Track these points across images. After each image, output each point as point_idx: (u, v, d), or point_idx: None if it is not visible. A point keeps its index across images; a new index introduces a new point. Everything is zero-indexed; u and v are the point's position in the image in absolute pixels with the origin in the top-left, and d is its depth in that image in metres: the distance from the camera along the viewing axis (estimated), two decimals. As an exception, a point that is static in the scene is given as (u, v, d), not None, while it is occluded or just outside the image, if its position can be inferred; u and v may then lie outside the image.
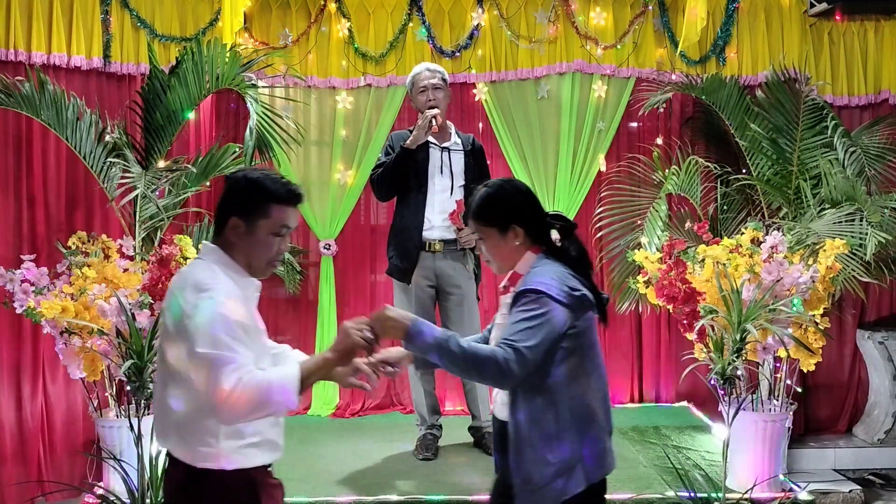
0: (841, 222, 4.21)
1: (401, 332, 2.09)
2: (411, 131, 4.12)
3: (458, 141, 4.21)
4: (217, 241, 2.09)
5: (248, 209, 2.04)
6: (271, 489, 2.12)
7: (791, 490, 3.91)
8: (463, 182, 4.14)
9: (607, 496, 3.66)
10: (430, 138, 4.12)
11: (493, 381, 2.17)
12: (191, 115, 4.45)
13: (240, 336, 1.94)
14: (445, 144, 4.16)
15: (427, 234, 4.08)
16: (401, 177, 4.08)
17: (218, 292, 1.95)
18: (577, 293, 2.16)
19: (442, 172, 4.12)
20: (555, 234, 2.31)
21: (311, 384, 2.02)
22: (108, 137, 4.22)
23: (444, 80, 4.19)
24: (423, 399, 4.24)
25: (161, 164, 4.28)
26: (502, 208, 2.26)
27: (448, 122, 4.27)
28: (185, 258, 3.85)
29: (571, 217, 5.17)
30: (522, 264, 2.27)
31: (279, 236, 2.08)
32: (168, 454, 2.09)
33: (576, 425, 2.16)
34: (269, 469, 2.14)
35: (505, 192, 2.30)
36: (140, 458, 3.49)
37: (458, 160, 4.16)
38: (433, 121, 4.01)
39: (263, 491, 2.06)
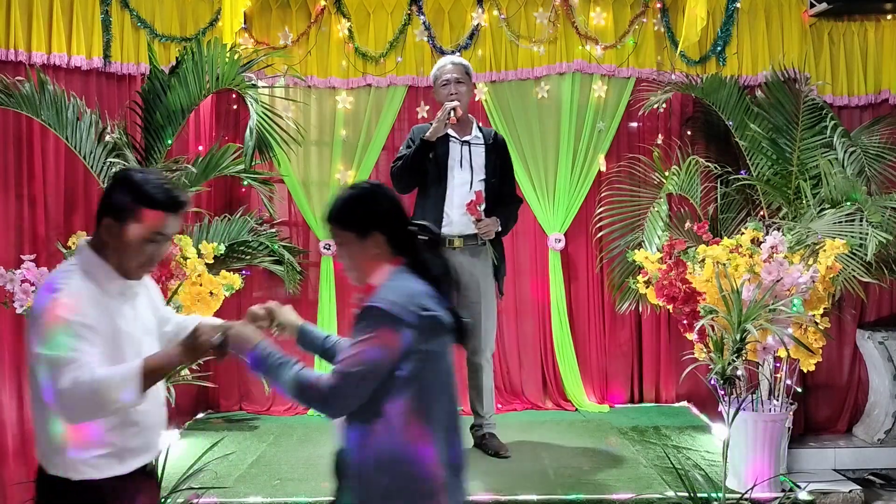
0: (841, 222, 4.21)
1: (246, 347, 2.02)
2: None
3: (480, 135, 4.18)
4: (91, 239, 2.06)
5: (122, 211, 1.98)
6: (131, 495, 2.06)
7: (791, 490, 3.91)
8: (483, 176, 4.11)
9: (607, 496, 3.67)
10: (451, 132, 4.10)
11: (318, 409, 2.01)
12: (191, 115, 4.45)
13: (83, 335, 1.88)
14: (466, 138, 4.13)
15: (446, 229, 4.04)
16: (420, 169, 4.04)
17: (62, 293, 1.90)
18: (427, 313, 1.98)
19: (461, 166, 4.09)
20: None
21: (158, 379, 1.97)
22: (108, 137, 4.23)
23: (467, 73, 4.16)
24: None
25: (161, 164, 4.28)
26: (364, 212, 2.08)
27: (470, 115, 4.25)
28: (185, 258, 3.86)
29: (571, 217, 5.24)
30: (378, 276, 2.08)
31: (153, 242, 2.01)
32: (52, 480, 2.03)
33: (413, 460, 1.98)
34: (147, 469, 2.12)
35: (370, 195, 2.11)
36: (140, 458, 3.49)
37: (479, 154, 4.13)
38: (452, 112, 3.98)
39: (118, 501, 2.01)
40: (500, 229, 4.13)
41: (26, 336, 1.99)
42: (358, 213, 2.09)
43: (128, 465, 2.03)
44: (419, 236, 2.12)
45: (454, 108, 3.98)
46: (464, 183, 4.08)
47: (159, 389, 2.13)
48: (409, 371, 1.97)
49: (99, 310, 1.95)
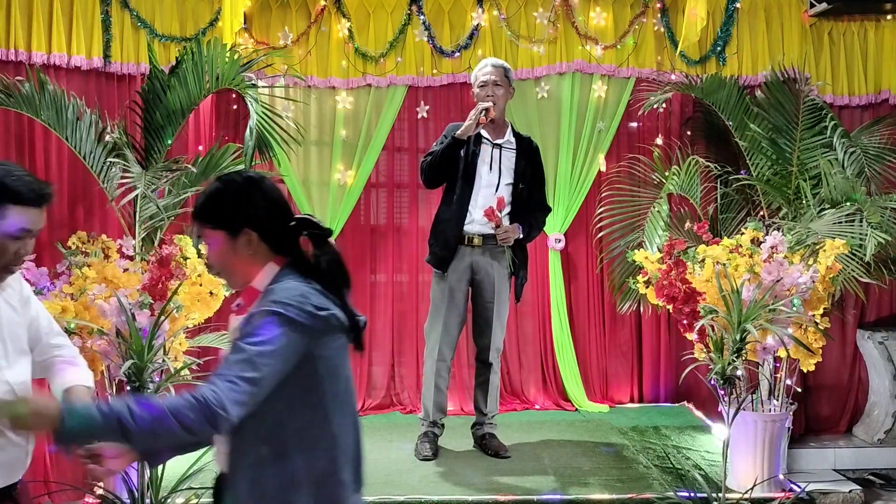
0: (841, 222, 4.20)
1: (49, 421, 1.63)
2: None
3: (513, 140, 4.19)
4: None
5: None
6: None
7: (791, 490, 3.91)
8: (510, 180, 4.13)
9: (607, 496, 3.68)
10: (484, 133, 4.11)
11: (200, 431, 1.64)
12: (190, 115, 4.45)
13: None
14: (498, 141, 4.14)
15: (468, 227, 4.07)
16: (448, 166, 4.06)
17: None
18: (321, 312, 1.75)
19: (490, 169, 4.10)
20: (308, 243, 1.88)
21: None
22: (108, 137, 4.22)
23: (506, 76, 4.16)
24: (432, 394, 4.20)
25: (161, 164, 4.28)
26: (231, 207, 1.83)
27: (507, 120, 4.27)
28: (186, 258, 3.86)
29: (571, 217, 5.24)
30: (260, 279, 1.83)
31: (18, 239, 1.89)
32: None
33: (310, 480, 1.75)
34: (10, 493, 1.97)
35: (236, 186, 1.86)
36: (140, 458, 3.49)
37: (509, 158, 4.14)
38: (484, 113, 3.99)
39: None
40: (520, 236, 4.14)
41: None
42: (226, 209, 1.84)
43: None
44: (303, 231, 1.87)
45: (486, 109, 3.99)
46: (490, 185, 4.10)
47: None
48: (305, 378, 1.75)
49: None
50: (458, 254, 4.10)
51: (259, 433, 1.74)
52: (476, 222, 4.08)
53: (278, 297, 1.74)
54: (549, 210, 4.40)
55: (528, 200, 4.17)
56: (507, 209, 4.10)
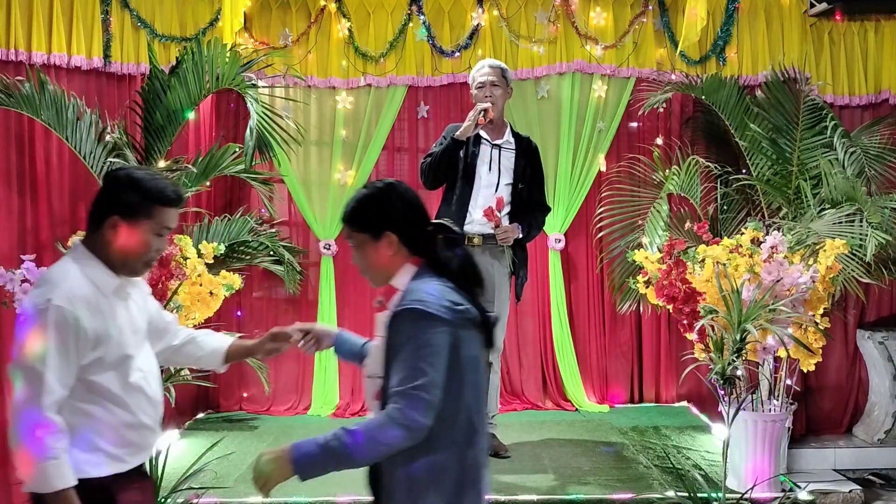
0: (841, 222, 4.21)
1: (285, 465, 1.93)
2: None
3: (512, 140, 4.20)
4: (88, 237, 2.07)
5: (130, 209, 2.01)
6: (132, 493, 2.09)
7: (791, 490, 3.91)
8: (510, 180, 4.13)
9: (607, 496, 3.68)
10: (483, 134, 4.12)
11: (404, 445, 1.86)
12: (191, 115, 4.46)
13: (63, 354, 1.92)
14: (498, 142, 4.15)
15: (467, 227, 4.07)
16: (448, 167, 4.07)
17: (57, 295, 1.92)
18: (459, 307, 1.92)
19: (490, 169, 4.11)
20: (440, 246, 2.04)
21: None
22: (108, 137, 4.23)
23: (504, 77, 4.16)
24: None
25: (161, 163, 4.28)
26: (376, 212, 2.00)
27: (506, 120, 4.27)
28: (185, 258, 3.86)
29: (571, 217, 5.24)
30: (399, 278, 2.01)
31: (160, 236, 2.06)
32: None
33: (456, 464, 1.91)
34: (142, 469, 2.15)
35: (383, 195, 2.03)
36: (140, 458, 3.49)
37: (508, 158, 4.15)
38: (483, 114, 4.00)
39: (120, 496, 2.04)
40: (520, 236, 4.14)
41: (16, 330, 1.99)
42: (370, 214, 2.02)
43: (127, 463, 2.05)
44: (438, 235, 2.04)
45: (485, 110, 4.00)
46: (490, 185, 4.11)
47: (158, 389, 2.15)
48: (451, 372, 1.90)
49: (92, 310, 1.97)
50: None
51: None
52: (476, 222, 4.08)
53: (418, 295, 1.90)
54: (548, 210, 4.40)
55: (528, 200, 4.18)
56: (507, 209, 4.10)
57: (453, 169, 4.08)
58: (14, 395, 1.92)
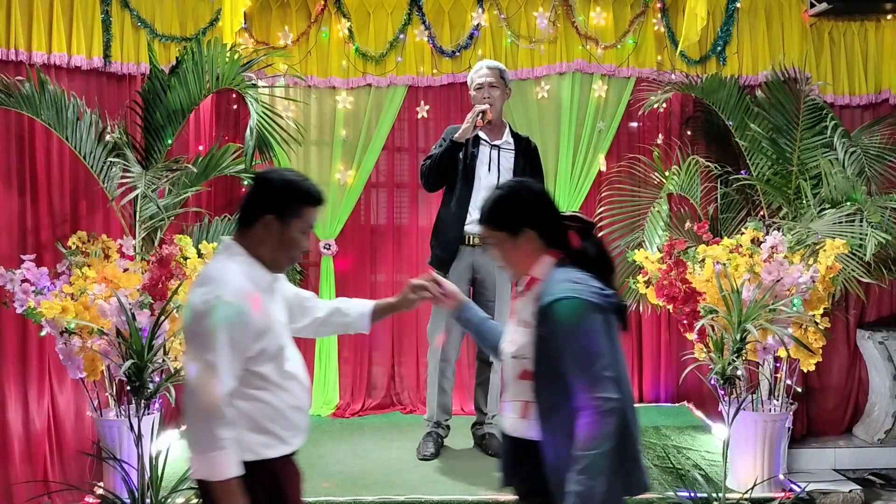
0: (841, 222, 4.21)
1: None
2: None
3: (511, 140, 4.20)
4: (240, 236, 2.17)
5: (283, 209, 2.13)
6: (293, 477, 2.23)
7: (791, 490, 3.91)
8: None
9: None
10: (482, 135, 4.12)
11: (614, 425, 1.95)
12: (191, 115, 4.46)
13: (235, 346, 2.01)
14: (497, 142, 4.15)
15: (468, 227, 4.07)
16: (447, 169, 4.07)
17: (226, 292, 2.02)
18: (606, 293, 2.05)
19: (489, 170, 4.11)
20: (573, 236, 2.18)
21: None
22: (108, 137, 4.23)
23: (502, 78, 4.16)
24: (436, 394, 4.20)
25: (161, 164, 4.28)
26: (513, 211, 2.16)
27: (504, 120, 4.27)
28: (185, 258, 3.86)
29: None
30: (539, 269, 2.14)
31: (304, 235, 2.20)
32: None
33: (619, 441, 2.00)
34: (292, 458, 2.24)
35: (515, 194, 2.19)
36: (140, 458, 3.50)
37: (508, 159, 4.15)
38: (481, 115, 4.00)
39: (284, 479, 2.16)
40: None
41: (185, 326, 2.09)
42: (507, 213, 2.16)
43: (291, 445, 2.17)
44: (570, 226, 2.16)
45: (483, 112, 4.00)
46: (489, 186, 4.04)
47: (306, 375, 2.26)
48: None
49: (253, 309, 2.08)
50: (459, 254, 4.12)
51: (567, 396, 1.99)
52: (475, 223, 4.08)
53: (567, 285, 2.02)
54: None
55: None
56: None
57: (453, 171, 4.09)
58: (188, 387, 2.01)
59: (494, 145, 4.14)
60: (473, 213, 4.08)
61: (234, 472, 1.99)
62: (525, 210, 2.16)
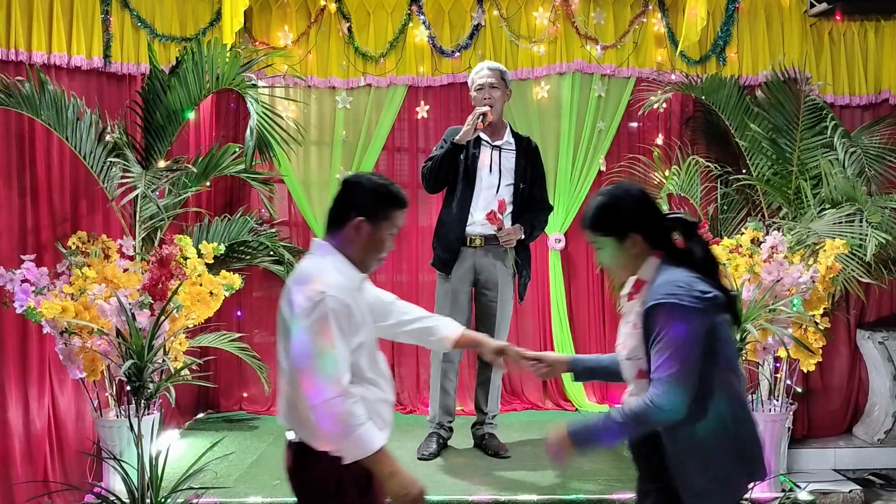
0: (841, 222, 4.21)
1: (567, 443, 2.14)
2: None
3: (512, 140, 4.20)
4: (331, 236, 2.27)
5: (375, 212, 2.23)
6: None
7: (791, 490, 3.90)
8: (511, 181, 4.13)
9: (607, 496, 3.68)
10: (483, 136, 4.12)
11: (663, 424, 2.08)
12: (191, 115, 4.46)
13: (347, 331, 2.10)
14: (497, 143, 4.15)
15: (469, 228, 4.09)
16: (449, 170, 4.08)
17: (330, 286, 2.10)
18: (708, 295, 2.06)
19: (491, 170, 4.11)
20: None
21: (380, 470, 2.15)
22: (108, 137, 4.22)
23: (503, 79, 4.16)
24: (438, 395, 4.21)
25: (161, 163, 4.28)
26: (617, 216, 2.18)
27: (505, 120, 4.27)
28: (185, 258, 3.86)
29: (571, 217, 5.24)
30: (645, 271, 2.18)
31: (391, 236, 2.30)
32: (299, 446, 2.20)
33: (732, 424, 2.10)
34: None
35: (618, 199, 2.20)
36: (140, 458, 3.50)
37: (509, 159, 4.15)
38: (482, 117, 4.01)
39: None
40: (523, 237, 4.15)
41: (286, 322, 2.15)
42: (613, 219, 2.18)
43: (385, 435, 2.22)
44: (676, 228, 2.19)
45: (484, 113, 4.01)
46: (491, 186, 4.11)
47: (387, 368, 2.32)
48: (707, 355, 2.06)
49: (352, 300, 2.16)
50: (461, 255, 4.12)
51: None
52: (477, 224, 4.09)
53: (669, 289, 2.06)
54: (550, 208, 4.40)
55: (530, 199, 4.18)
56: (510, 209, 4.10)
57: (454, 172, 4.09)
58: (309, 385, 2.06)
59: (495, 146, 4.14)
60: (475, 214, 4.08)
61: (381, 441, 2.10)
62: (630, 214, 2.18)
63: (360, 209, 2.23)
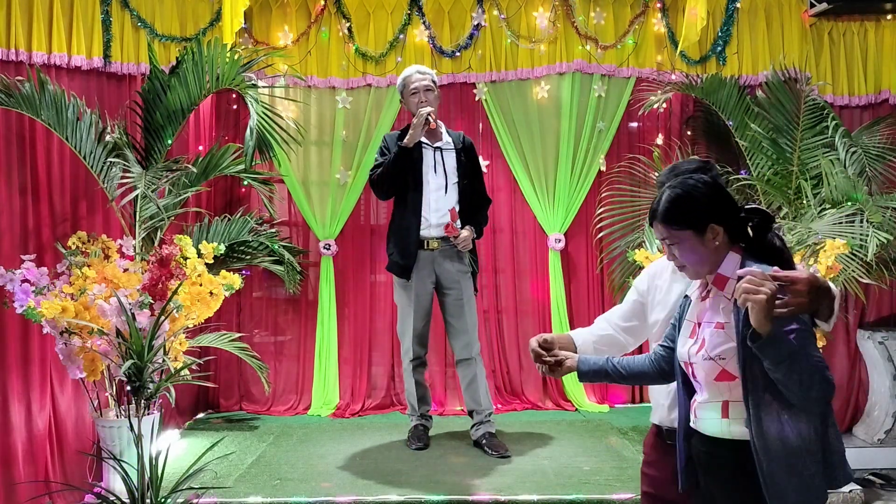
0: (841, 222, 4.20)
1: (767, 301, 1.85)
2: (403, 132, 4.22)
3: (450, 140, 4.31)
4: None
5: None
6: None
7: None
8: (456, 180, 4.27)
9: (607, 496, 3.67)
10: (423, 139, 4.22)
11: (819, 396, 1.88)
12: (191, 115, 4.45)
13: None
14: (437, 144, 4.26)
15: (424, 232, 4.21)
16: (400, 176, 4.17)
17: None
18: None
19: (436, 172, 4.22)
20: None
21: None
22: (108, 137, 4.22)
23: (433, 81, 4.29)
24: (414, 389, 4.37)
25: (161, 163, 4.28)
26: (696, 207, 2.03)
27: (439, 121, 4.34)
28: (185, 258, 3.86)
29: (571, 217, 5.24)
30: (727, 266, 2.03)
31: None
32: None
33: (826, 429, 1.99)
34: None
35: (694, 189, 2.05)
36: (140, 458, 3.49)
37: (451, 158, 4.27)
38: (429, 118, 4.09)
39: None
40: (475, 236, 4.31)
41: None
42: (691, 210, 2.04)
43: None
44: (754, 218, 2.05)
45: (429, 113, 4.10)
46: (439, 187, 4.23)
47: None
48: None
49: None
50: (420, 260, 4.23)
51: (780, 395, 1.92)
52: (432, 227, 4.21)
53: None
54: (489, 202, 4.54)
55: (472, 195, 4.31)
56: (457, 208, 4.24)
57: (404, 177, 4.18)
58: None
59: (436, 147, 4.25)
60: (429, 217, 4.20)
61: None
62: (709, 204, 2.03)
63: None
